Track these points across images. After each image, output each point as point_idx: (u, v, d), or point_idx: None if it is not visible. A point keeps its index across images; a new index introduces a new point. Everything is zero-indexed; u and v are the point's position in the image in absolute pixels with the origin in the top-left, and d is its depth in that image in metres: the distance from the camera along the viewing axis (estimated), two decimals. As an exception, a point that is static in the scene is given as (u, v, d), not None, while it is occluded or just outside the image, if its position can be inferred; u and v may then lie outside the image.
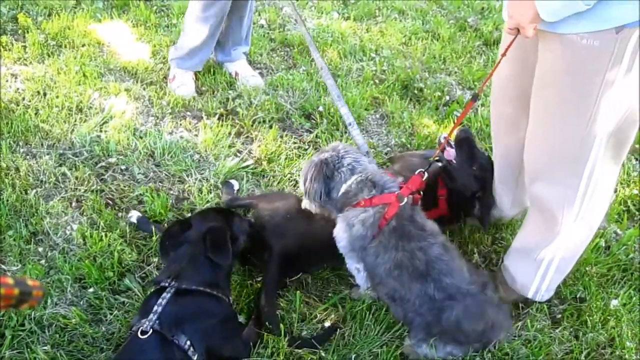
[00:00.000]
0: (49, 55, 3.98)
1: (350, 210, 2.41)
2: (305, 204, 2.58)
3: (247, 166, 3.35)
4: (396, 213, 2.34)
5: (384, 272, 2.35)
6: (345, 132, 3.71)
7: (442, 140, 2.84)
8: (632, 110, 2.08)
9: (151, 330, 2.07)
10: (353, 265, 2.51)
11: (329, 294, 2.73)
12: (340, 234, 2.45)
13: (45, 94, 3.60)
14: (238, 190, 3.18)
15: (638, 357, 2.63)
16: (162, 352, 2.07)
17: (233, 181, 3.21)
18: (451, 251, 2.40)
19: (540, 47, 2.13)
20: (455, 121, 2.57)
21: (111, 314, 2.49)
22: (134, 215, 2.91)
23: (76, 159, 3.19)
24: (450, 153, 2.91)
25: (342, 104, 3.01)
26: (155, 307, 2.14)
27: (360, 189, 2.40)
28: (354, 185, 2.41)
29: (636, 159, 3.94)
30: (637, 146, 3.99)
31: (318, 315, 2.61)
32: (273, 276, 2.63)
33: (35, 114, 3.43)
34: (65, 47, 4.11)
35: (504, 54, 2.29)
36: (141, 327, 2.08)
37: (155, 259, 2.74)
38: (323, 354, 2.46)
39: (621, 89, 1.97)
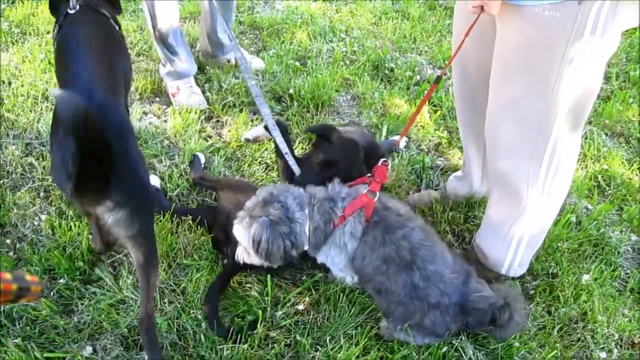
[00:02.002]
0: (13, 44, 3.90)
1: (332, 236, 2.33)
2: (256, 261, 2.36)
3: (218, 150, 3.32)
4: (375, 209, 2.32)
5: (372, 269, 2.33)
6: (317, 115, 3.69)
7: None
8: (591, 82, 2.08)
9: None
10: (347, 277, 2.51)
11: (303, 278, 2.72)
12: (336, 260, 2.40)
13: (10, 83, 3.53)
14: (204, 163, 3.19)
15: (609, 330, 2.66)
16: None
17: (200, 154, 3.20)
18: (431, 235, 2.39)
19: (499, 22, 2.12)
20: (422, 100, 2.55)
21: (82, 304, 2.47)
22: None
23: (43, 148, 3.13)
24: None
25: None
26: None
27: (326, 213, 2.30)
28: (317, 216, 2.30)
29: (606, 134, 3.97)
30: (607, 121, 4.02)
31: (292, 299, 2.60)
32: (224, 274, 2.63)
33: (0, 103, 3.36)
34: (30, 34, 4.03)
35: (466, 34, 2.28)
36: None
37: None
38: (298, 337, 2.46)
39: (583, 60, 1.97)
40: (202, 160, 3.18)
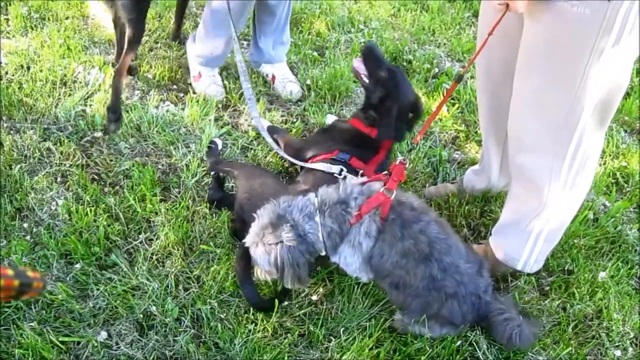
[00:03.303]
0: (32, 29, 3.90)
1: (348, 235, 2.30)
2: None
3: (235, 139, 3.32)
4: (391, 206, 2.29)
5: (390, 265, 2.31)
6: (333, 105, 3.68)
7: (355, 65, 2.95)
8: (619, 79, 2.06)
9: None
10: (365, 277, 2.49)
11: (317, 269, 2.72)
12: (350, 259, 2.37)
13: (28, 68, 3.54)
14: (221, 149, 3.20)
15: (625, 328, 2.65)
16: None
17: (217, 140, 3.21)
18: (445, 227, 2.38)
19: (526, 17, 2.10)
20: (443, 97, 2.53)
21: (98, 289, 2.48)
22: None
23: (61, 133, 3.14)
24: (360, 68, 2.93)
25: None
26: None
27: (339, 216, 2.27)
28: (329, 221, 2.27)
29: (625, 131, 3.94)
30: (626, 118, 3.99)
31: (306, 290, 2.60)
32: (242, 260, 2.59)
33: (19, 88, 3.37)
34: (49, 20, 4.03)
35: (490, 33, 2.26)
36: None
37: (142, 235, 2.73)
38: (312, 328, 2.46)
39: (610, 58, 1.95)
40: (220, 146, 3.18)
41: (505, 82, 2.39)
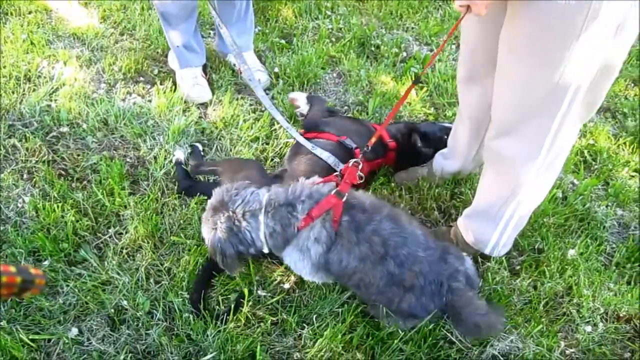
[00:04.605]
0: (-6, 24, 3.85)
1: (296, 238, 2.27)
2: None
3: (203, 130, 3.31)
4: (343, 209, 2.26)
5: (351, 270, 2.28)
6: (304, 91, 3.67)
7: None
8: (608, 66, 2.03)
9: None
10: (318, 280, 2.49)
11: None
12: (299, 264, 2.35)
13: (-9, 64, 3.49)
14: (202, 151, 3.18)
15: (595, 304, 2.68)
16: None
17: (197, 144, 3.18)
18: (399, 218, 2.34)
19: (510, 9, 2.04)
20: (398, 101, 2.52)
21: (67, 285, 2.46)
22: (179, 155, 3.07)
23: (26, 129, 3.10)
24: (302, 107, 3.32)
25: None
26: None
27: (284, 219, 2.24)
28: (272, 222, 2.24)
29: (593, 110, 3.97)
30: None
31: (278, 278, 2.60)
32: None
33: (-18, 85, 3.33)
34: (11, 14, 3.97)
35: (450, 34, 2.28)
36: None
37: (111, 229, 2.71)
38: (284, 316, 2.46)
39: (595, 43, 1.90)
40: (200, 149, 3.16)
41: (487, 71, 2.38)
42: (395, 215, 2.34)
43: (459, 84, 2.74)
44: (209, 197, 2.37)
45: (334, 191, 2.27)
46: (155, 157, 3.06)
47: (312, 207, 2.23)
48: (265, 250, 2.32)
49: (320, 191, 2.30)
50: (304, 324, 2.46)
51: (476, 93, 2.65)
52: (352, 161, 2.44)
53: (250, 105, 3.54)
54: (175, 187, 2.93)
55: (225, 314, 2.42)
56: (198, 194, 2.87)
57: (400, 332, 2.41)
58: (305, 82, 3.76)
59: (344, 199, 2.26)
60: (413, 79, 2.43)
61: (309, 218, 2.22)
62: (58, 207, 2.70)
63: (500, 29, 2.15)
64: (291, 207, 2.24)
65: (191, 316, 2.41)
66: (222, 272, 2.56)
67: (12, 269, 1.38)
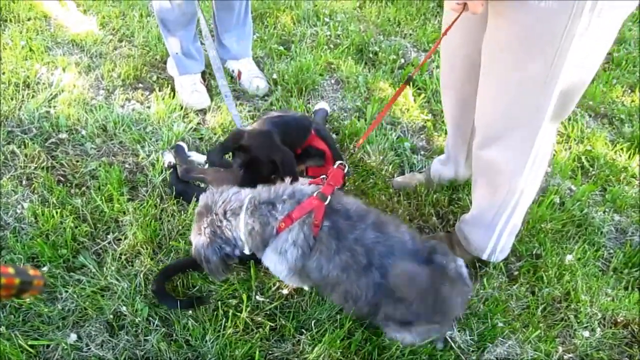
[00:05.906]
0: (-7, 31, 3.87)
1: (275, 239, 2.19)
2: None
3: (202, 137, 3.31)
4: (325, 212, 2.17)
5: (333, 280, 2.19)
6: (300, 99, 3.68)
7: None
8: (583, 75, 2.04)
9: None
10: (297, 284, 2.48)
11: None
12: (277, 267, 2.26)
13: (-10, 71, 3.50)
14: (188, 150, 3.17)
15: (592, 309, 2.69)
16: None
17: (182, 143, 3.16)
18: (385, 227, 2.22)
19: (492, 13, 2.04)
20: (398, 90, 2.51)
21: (66, 291, 2.46)
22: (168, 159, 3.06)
23: (25, 136, 3.11)
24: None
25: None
26: None
27: (263, 217, 2.17)
28: (251, 220, 2.18)
29: (589, 116, 3.99)
30: (590, 102, 4.04)
31: (276, 284, 2.60)
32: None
33: (-19, 91, 3.33)
34: (10, 21, 3.99)
35: (444, 33, 2.25)
36: None
37: (110, 235, 2.71)
38: (283, 322, 2.47)
39: (578, 49, 1.90)
40: (186, 149, 3.15)
41: (470, 78, 2.38)
42: (381, 223, 2.23)
43: (442, 90, 2.76)
44: None
45: (316, 193, 2.21)
46: (153, 164, 3.06)
47: (293, 208, 2.16)
48: (247, 252, 2.26)
49: (302, 191, 2.23)
50: (303, 330, 2.46)
51: (456, 99, 2.67)
52: (337, 163, 2.40)
53: (249, 111, 3.55)
54: (172, 192, 2.93)
55: (189, 304, 2.46)
56: (194, 198, 2.85)
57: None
58: (304, 89, 3.77)
59: (328, 202, 2.19)
60: (410, 83, 2.42)
61: (289, 219, 2.14)
62: (57, 213, 2.71)
63: (479, 35, 2.15)
64: (271, 205, 2.17)
65: (190, 322, 2.41)
66: (198, 269, 2.55)
67: (11, 270, 1.38)
